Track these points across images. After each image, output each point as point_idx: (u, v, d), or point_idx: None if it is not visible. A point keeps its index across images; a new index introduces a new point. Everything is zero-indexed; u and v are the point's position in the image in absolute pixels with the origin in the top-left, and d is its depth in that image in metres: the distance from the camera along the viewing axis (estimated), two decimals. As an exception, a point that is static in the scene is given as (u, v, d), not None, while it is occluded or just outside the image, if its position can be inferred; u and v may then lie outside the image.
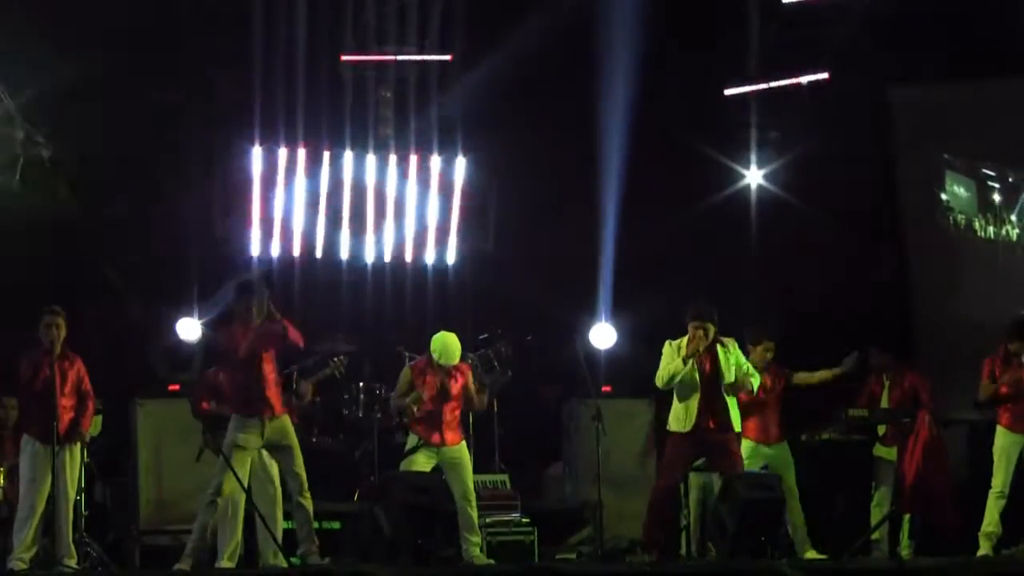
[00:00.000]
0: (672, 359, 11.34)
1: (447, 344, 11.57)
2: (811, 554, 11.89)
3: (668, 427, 11.50)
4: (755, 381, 11.54)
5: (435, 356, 11.56)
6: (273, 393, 10.80)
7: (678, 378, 11.30)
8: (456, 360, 11.60)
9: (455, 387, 11.58)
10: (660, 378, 11.40)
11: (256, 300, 10.88)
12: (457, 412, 11.61)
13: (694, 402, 11.30)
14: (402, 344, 13.59)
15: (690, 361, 11.29)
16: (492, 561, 11.45)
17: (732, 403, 11.44)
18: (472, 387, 11.76)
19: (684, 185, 15.01)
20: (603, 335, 14.25)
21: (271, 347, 10.82)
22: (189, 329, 13.40)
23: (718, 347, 11.39)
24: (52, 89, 12.89)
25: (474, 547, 11.37)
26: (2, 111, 11.90)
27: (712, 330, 11.34)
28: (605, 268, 14.56)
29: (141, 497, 12.29)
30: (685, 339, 11.37)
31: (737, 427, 11.48)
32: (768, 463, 12.08)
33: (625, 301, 14.46)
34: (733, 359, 11.42)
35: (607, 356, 14.29)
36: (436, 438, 11.44)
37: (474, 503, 11.47)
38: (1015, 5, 14.06)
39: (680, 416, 11.34)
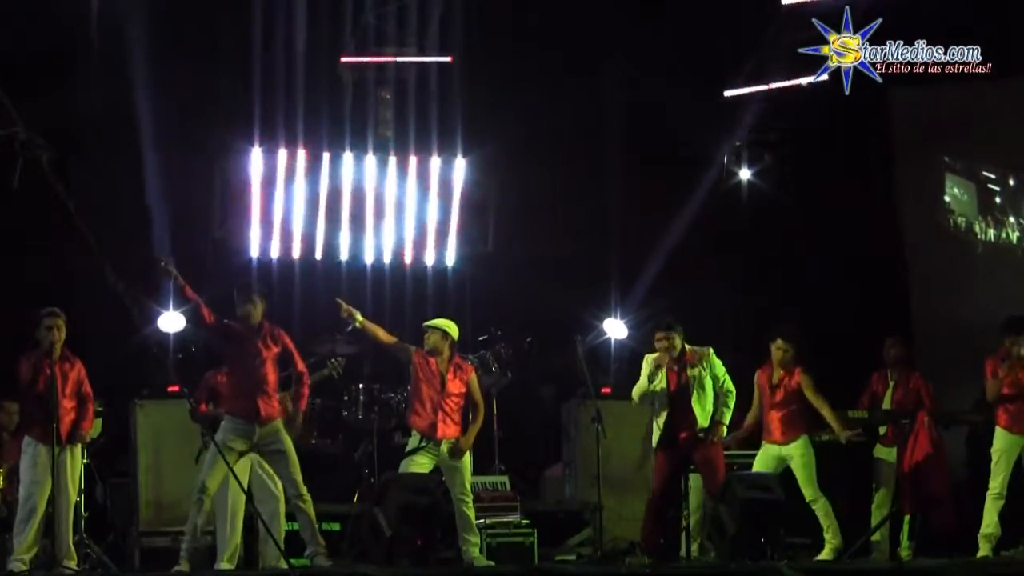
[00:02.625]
0: (645, 373, 11.45)
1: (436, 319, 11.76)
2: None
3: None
4: (731, 399, 11.54)
5: (427, 326, 11.66)
6: (268, 397, 10.77)
7: (647, 393, 11.44)
8: (433, 324, 11.65)
9: (457, 384, 11.57)
10: (633, 395, 11.58)
11: (256, 305, 10.88)
12: (456, 407, 11.60)
13: (662, 418, 11.45)
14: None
15: (657, 376, 11.37)
16: (491, 562, 11.44)
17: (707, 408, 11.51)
18: (477, 392, 11.77)
19: (683, 186, 15.02)
20: (615, 329, 14.23)
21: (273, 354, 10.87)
22: (171, 322, 13.21)
23: (694, 360, 11.46)
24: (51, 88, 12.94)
25: (473, 548, 11.36)
26: (2, 112, 11.88)
27: (677, 341, 11.41)
28: (610, 265, 14.63)
29: (141, 498, 12.28)
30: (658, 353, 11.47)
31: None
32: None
33: (623, 302, 14.47)
34: (708, 372, 11.44)
35: (606, 357, 14.28)
36: (435, 431, 11.42)
37: (471, 503, 11.46)
38: (1015, 5, 14.07)
39: (655, 431, 11.48)
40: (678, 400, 11.40)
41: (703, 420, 11.40)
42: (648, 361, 11.56)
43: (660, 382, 11.43)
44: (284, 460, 10.71)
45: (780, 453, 12.03)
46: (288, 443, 10.74)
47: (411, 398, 11.73)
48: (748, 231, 15.43)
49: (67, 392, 10.90)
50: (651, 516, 11.39)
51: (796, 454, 11.99)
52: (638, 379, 11.71)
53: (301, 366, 11.06)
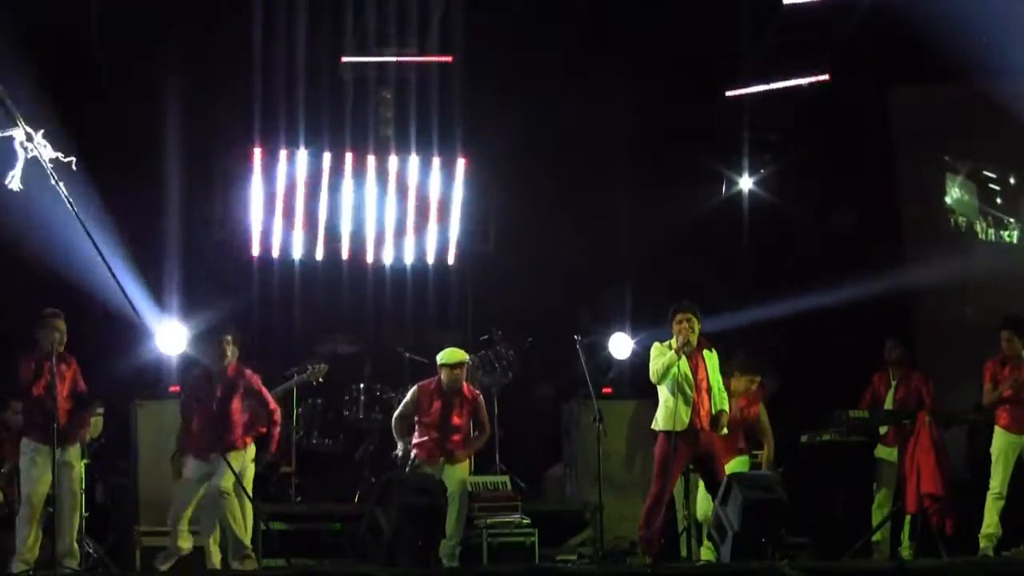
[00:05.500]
0: (663, 353, 11.31)
1: (451, 350, 11.81)
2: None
3: (655, 426, 11.38)
4: (725, 403, 11.48)
5: (439, 360, 11.72)
6: (236, 432, 11.18)
7: (672, 371, 11.22)
8: (458, 358, 11.67)
9: (463, 416, 11.72)
10: (655, 372, 11.29)
11: (228, 346, 11.24)
12: (461, 440, 11.77)
13: (687, 401, 11.24)
14: (402, 345, 13.61)
15: (682, 354, 11.22)
16: (457, 564, 11.48)
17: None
18: (483, 416, 11.89)
19: (683, 187, 15.02)
20: (620, 345, 14.17)
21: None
22: (170, 340, 13.15)
23: (705, 351, 11.38)
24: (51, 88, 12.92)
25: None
26: (2, 111, 11.87)
27: (696, 324, 11.32)
28: (617, 275, 14.63)
29: (141, 498, 12.29)
30: (672, 340, 11.34)
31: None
32: None
33: (624, 302, 14.47)
34: (716, 370, 11.42)
35: (607, 358, 14.26)
36: (436, 463, 11.63)
37: (455, 513, 11.56)
38: (1016, 5, 14.06)
39: (672, 415, 11.20)
40: (701, 386, 11.27)
41: (717, 404, 11.36)
42: (661, 346, 11.38)
43: (685, 367, 11.28)
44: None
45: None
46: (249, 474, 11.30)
47: (418, 423, 11.87)
48: (747, 234, 15.43)
49: (65, 393, 10.91)
50: (658, 513, 11.27)
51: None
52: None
53: (272, 405, 11.46)
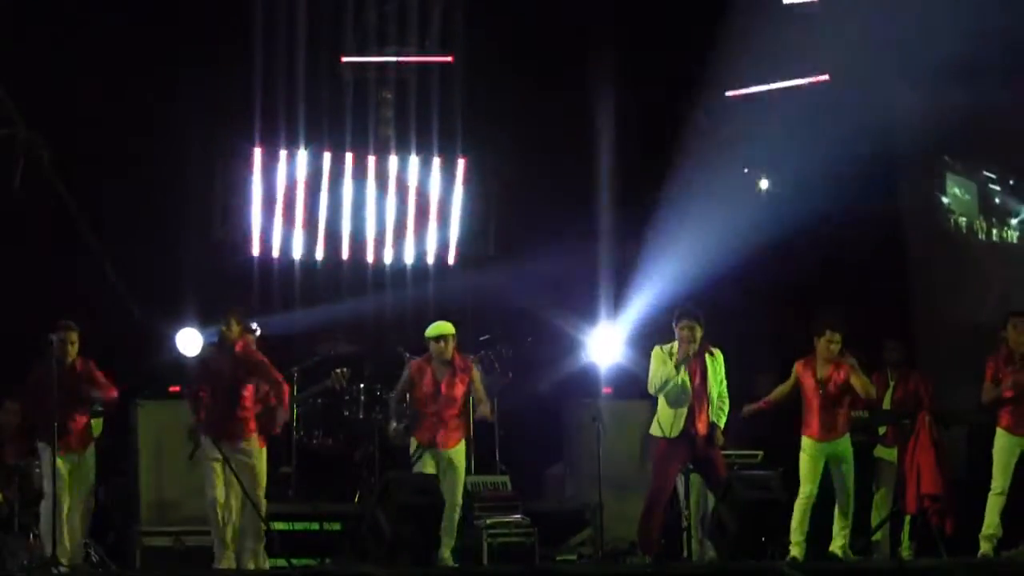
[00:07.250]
0: (663, 363, 11.29)
1: (436, 324, 11.66)
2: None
3: (652, 431, 11.42)
4: (726, 405, 11.46)
5: (426, 334, 11.59)
6: (247, 418, 11.05)
7: (671, 384, 11.25)
8: (441, 331, 11.57)
9: (458, 389, 11.56)
10: (652, 384, 11.35)
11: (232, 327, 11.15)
12: (456, 413, 11.59)
13: (683, 409, 11.26)
14: (402, 345, 13.61)
15: (682, 366, 11.23)
16: (456, 565, 11.44)
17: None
18: (480, 389, 11.75)
19: (683, 186, 15.02)
20: (606, 344, 14.17)
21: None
22: (189, 341, 13.18)
23: (707, 356, 11.36)
24: (51, 88, 12.95)
25: (446, 548, 11.35)
26: (2, 111, 11.90)
27: (699, 331, 11.30)
28: (605, 275, 14.60)
29: (142, 497, 12.29)
30: (674, 344, 11.32)
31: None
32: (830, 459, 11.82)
33: (625, 303, 14.48)
34: (720, 372, 11.40)
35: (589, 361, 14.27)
36: (435, 440, 11.43)
37: (459, 509, 11.49)
38: (1015, 6, 14.07)
39: (667, 422, 11.26)
40: (700, 393, 11.27)
41: (713, 415, 11.34)
42: (663, 351, 11.42)
43: (683, 374, 11.27)
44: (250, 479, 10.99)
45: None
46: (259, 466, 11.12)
47: (416, 404, 11.67)
48: (748, 233, 15.42)
49: (74, 398, 10.99)
50: (656, 513, 11.29)
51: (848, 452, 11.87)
52: (646, 375, 11.58)
53: (279, 377, 11.31)
